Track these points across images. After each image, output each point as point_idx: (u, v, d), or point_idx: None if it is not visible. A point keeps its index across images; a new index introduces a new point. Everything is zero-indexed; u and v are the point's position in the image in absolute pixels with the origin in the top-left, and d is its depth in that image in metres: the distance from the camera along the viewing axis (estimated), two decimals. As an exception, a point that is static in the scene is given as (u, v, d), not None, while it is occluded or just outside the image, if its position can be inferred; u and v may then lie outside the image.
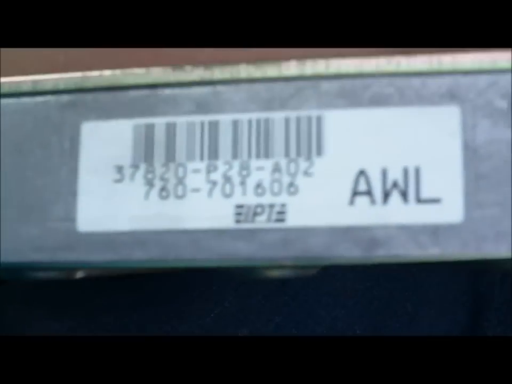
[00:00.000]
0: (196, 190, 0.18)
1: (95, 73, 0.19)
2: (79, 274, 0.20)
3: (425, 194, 0.18)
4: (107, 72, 0.19)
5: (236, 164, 0.18)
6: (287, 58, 0.19)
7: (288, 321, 0.28)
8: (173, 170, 0.18)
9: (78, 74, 0.19)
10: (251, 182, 0.18)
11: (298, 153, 0.18)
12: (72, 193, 0.19)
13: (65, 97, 0.19)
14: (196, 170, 0.18)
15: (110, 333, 0.28)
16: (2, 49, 0.21)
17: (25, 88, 0.20)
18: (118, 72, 0.19)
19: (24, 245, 0.19)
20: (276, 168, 0.18)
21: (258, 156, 0.18)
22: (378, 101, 0.18)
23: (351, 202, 0.18)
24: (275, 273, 0.19)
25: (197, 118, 0.18)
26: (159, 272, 0.28)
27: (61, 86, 0.19)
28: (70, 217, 0.19)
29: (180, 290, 0.29)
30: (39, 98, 0.19)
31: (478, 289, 0.29)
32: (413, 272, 0.29)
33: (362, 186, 0.18)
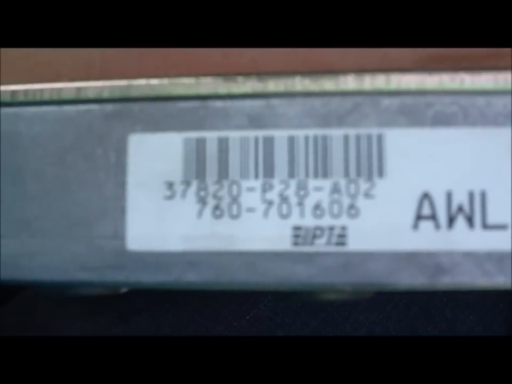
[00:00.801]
0: (251, 210, 0.18)
1: (141, 81, 0.19)
2: (124, 290, 0.20)
3: (491, 220, 0.17)
4: (154, 81, 0.19)
5: (293, 183, 0.18)
6: (344, 70, 0.18)
7: (325, 325, 0.28)
8: (226, 188, 0.18)
9: (123, 82, 0.19)
10: (309, 202, 0.18)
11: (359, 174, 0.18)
12: (120, 210, 0.18)
13: (109, 107, 0.19)
14: (251, 189, 0.18)
15: (143, 334, 0.28)
16: (32, 50, 0.20)
17: (68, 95, 0.19)
18: (165, 81, 0.19)
19: (70, 263, 0.18)
20: (335, 189, 0.18)
21: (316, 175, 0.18)
22: (442, 120, 0.18)
23: (415, 226, 0.17)
24: (332, 297, 0.18)
25: (251, 133, 0.18)
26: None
27: (105, 94, 0.19)
28: (119, 235, 0.18)
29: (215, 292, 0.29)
30: (82, 107, 0.19)
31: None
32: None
33: (426, 210, 0.17)
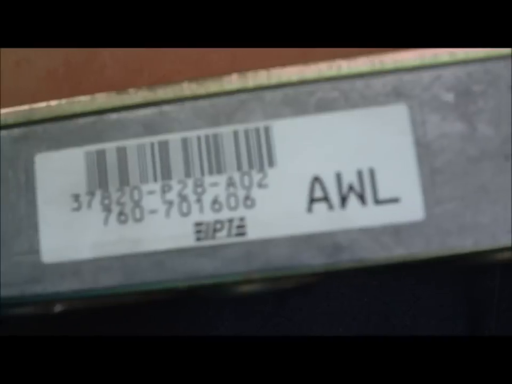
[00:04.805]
0: (153, 212, 0.21)
1: (41, 104, 0.22)
2: (58, 308, 0.23)
3: (382, 194, 0.20)
4: (53, 102, 0.22)
5: (190, 182, 0.21)
6: (223, 66, 0.21)
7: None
8: (128, 193, 0.21)
9: (25, 107, 0.22)
10: (207, 198, 0.21)
11: (251, 166, 0.21)
12: (33, 226, 0.21)
13: (15, 131, 0.22)
14: (151, 192, 0.21)
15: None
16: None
17: (-24, 124, 0.22)
18: (63, 101, 0.22)
19: None
20: (230, 183, 0.21)
21: (211, 172, 0.21)
22: (324, 106, 0.21)
23: (309, 209, 0.20)
24: (245, 289, 0.21)
25: (146, 140, 0.21)
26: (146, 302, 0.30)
27: (11, 120, 0.22)
28: (34, 249, 0.21)
29: (174, 319, 0.32)
30: None
31: (476, 298, 0.31)
32: (409, 285, 0.31)
33: (318, 193, 0.20)
